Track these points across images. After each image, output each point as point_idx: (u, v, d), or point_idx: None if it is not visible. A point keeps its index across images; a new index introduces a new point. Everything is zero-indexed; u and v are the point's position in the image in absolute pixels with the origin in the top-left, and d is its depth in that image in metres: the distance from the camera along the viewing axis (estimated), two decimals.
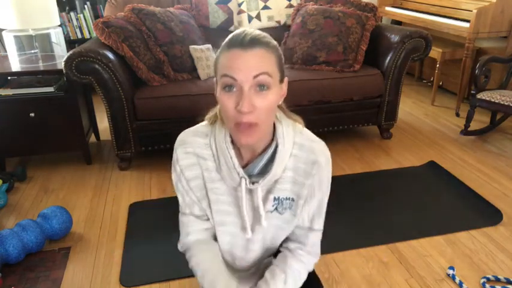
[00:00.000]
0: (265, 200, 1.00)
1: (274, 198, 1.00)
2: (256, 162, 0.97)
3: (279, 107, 0.98)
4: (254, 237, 1.04)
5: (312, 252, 1.08)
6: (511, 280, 1.59)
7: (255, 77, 0.82)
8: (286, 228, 1.05)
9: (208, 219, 1.06)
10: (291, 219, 1.03)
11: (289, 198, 1.00)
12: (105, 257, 1.76)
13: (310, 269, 1.09)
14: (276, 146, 0.95)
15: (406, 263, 1.70)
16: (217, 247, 1.08)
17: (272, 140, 0.96)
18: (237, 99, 0.83)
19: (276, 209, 1.01)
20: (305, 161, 0.97)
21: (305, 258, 1.07)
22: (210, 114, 1.02)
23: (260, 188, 0.97)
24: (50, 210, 1.83)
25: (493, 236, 1.86)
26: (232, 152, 0.94)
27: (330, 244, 1.80)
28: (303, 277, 1.06)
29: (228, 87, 0.83)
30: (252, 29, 0.87)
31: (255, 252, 1.08)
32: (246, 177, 0.96)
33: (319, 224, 1.06)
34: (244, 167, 0.97)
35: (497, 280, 1.61)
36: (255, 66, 0.81)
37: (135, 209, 2.09)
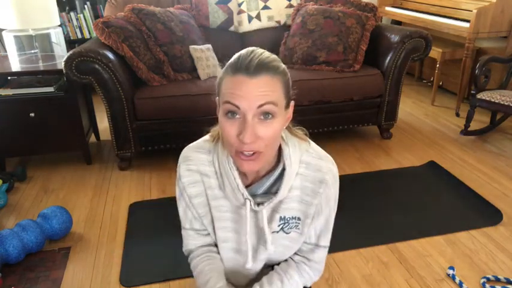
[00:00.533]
0: (270, 219, 0.98)
1: (280, 218, 0.98)
2: (262, 183, 0.94)
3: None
4: (258, 257, 1.03)
5: (316, 268, 1.07)
6: (511, 280, 1.59)
7: (259, 106, 0.78)
8: (293, 247, 1.04)
9: (209, 234, 1.06)
10: (298, 237, 1.01)
11: (295, 217, 0.98)
12: (105, 257, 1.76)
13: (308, 284, 1.09)
14: (283, 169, 0.92)
15: (406, 263, 1.70)
16: (218, 258, 1.07)
17: (278, 161, 0.93)
18: (240, 128, 0.79)
19: (282, 229, 0.99)
20: (312, 180, 0.95)
21: (307, 273, 1.06)
22: (214, 129, 0.99)
23: (265, 210, 0.95)
24: (50, 210, 1.83)
25: (493, 236, 1.86)
26: (236, 173, 0.91)
27: (330, 244, 1.80)
28: None
29: (230, 113, 0.80)
30: (259, 49, 0.82)
31: (257, 269, 1.07)
32: (251, 198, 0.93)
33: (326, 241, 1.05)
34: (248, 185, 0.95)
35: (497, 280, 1.61)
36: (259, 96, 0.77)
37: (135, 209, 2.09)
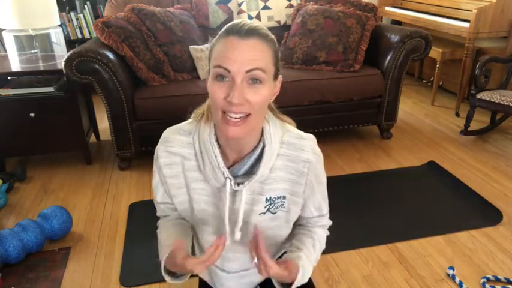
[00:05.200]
0: (256, 202, 0.98)
1: (266, 199, 0.98)
2: (243, 163, 0.94)
3: (269, 107, 0.96)
4: (241, 240, 1.02)
5: (325, 228, 1.13)
6: (511, 280, 1.59)
7: (249, 71, 0.80)
8: (283, 226, 1.05)
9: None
10: (285, 216, 1.03)
11: (280, 196, 0.99)
12: (105, 257, 1.76)
13: (327, 233, 1.15)
14: (263, 146, 0.93)
15: (406, 263, 1.70)
16: (187, 224, 1.09)
17: (260, 140, 0.94)
18: (228, 90, 0.81)
19: (268, 210, 1.00)
20: (295, 159, 0.96)
21: (324, 232, 1.13)
22: (197, 111, 1.00)
23: (245, 190, 0.95)
24: (50, 210, 1.83)
25: (493, 236, 1.86)
26: (217, 151, 0.92)
27: (329, 244, 1.79)
28: (324, 243, 1.11)
29: (220, 77, 0.82)
30: (253, 21, 0.86)
31: (242, 254, 1.07)
32: (231, 177, 0.93)
33: (326, 208, 1.10)
34: (229, 167, 0.95)
35: (497, 280, 1.61)
36: (249, 60, 0.80)
37: (135, 209, 2.09)
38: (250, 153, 0.94)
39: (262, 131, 0.94)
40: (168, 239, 1.01)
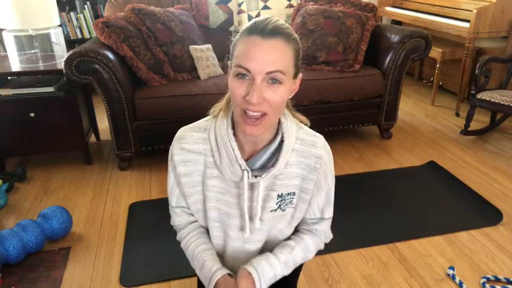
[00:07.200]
0: (267, 198, 0.99)
1: (278, 196, 0.99)
2: (259, 156, 0.95)
3: (286, 105, 0.97)
4: (252, 237, 1.03)
5: (322, 235, 1.11)
6: (511, 280, 1.59)
7: (269, 73, 0.81)
8: (290, 223, 1.06)
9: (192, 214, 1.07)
10: (293, 213, 1.04)
11: (291, 193, 1.00)
12: (105, 257, 1.76)
13: (322, 247, 1.13)
14: (282, 140, 0.94)
15: (406, 263, 1.70)
16: (206, 236, 1.09)
17: (276, 134, 0.95)
18: (248, 89, 0.82)
19: (279, 206, 1.00)
20: (308, 155, 0.97)
21: (315, 243, 1.10)
22: (214, 108, 1.01)
23: (262, 182, 0.96)
24: (50, 210, 1.83)
25: (493, 236, 1.86)
26: (235, 144, 0.93)
27: (330, 244, 1.79)
28: (312, 253, 1.09)
29: (240, 75, 0.83)
30: (275, 17, 0.85)
31: (251, 254, 1.07)
32: (249, 169, 0.94)
33: (329, 213, 1.09)
34: (245, 160, 0.95)
35: (497, 280, 1.61)
36: (270, 62, 0.80)
37: (135, 209, 2.09)
38: (266, 146, 0.95)
39: (278, 125, 0.95)
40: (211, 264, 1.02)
